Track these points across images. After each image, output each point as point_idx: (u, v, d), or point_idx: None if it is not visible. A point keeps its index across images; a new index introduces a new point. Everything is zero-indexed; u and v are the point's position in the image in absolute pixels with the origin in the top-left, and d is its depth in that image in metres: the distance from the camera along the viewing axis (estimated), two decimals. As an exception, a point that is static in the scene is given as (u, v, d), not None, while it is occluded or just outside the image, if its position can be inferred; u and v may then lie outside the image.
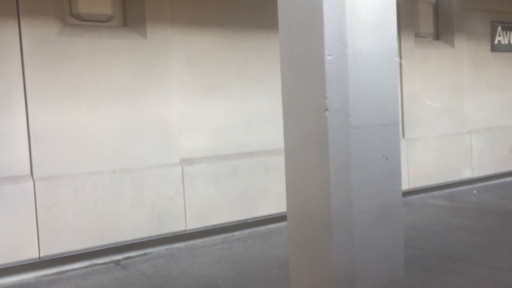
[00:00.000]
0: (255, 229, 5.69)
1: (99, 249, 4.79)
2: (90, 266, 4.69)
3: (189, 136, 5.41)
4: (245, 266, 4.52)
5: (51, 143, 4.61)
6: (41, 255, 4.54)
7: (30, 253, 4.49)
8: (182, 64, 5.36)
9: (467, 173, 7.76)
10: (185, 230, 5.30)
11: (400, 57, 7.01)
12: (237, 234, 5.54)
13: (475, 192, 7.37)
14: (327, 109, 2.56)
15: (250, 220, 5.70)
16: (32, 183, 4.50)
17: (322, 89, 2.56)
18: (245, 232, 5.60)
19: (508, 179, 8.18)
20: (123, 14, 5.17)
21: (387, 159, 2.77)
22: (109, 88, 4.90)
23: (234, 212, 5.60)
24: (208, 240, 5.37)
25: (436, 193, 7.28)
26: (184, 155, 5.37)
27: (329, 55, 2.54)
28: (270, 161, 5.80)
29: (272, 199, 5.81)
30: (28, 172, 4.55)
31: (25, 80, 4.51)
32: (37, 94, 4.56)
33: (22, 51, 4.50)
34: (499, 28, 8.25)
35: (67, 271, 4.57)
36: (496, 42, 8.22)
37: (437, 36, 7.76)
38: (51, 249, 4.58)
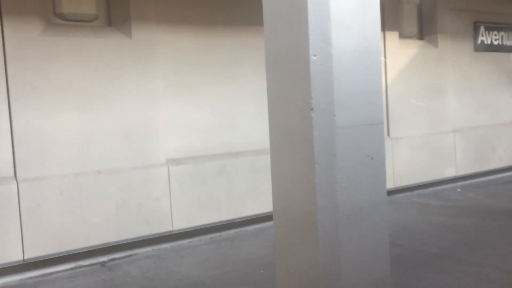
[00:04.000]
0: (242, 229, 5.69)
1: (84, 250, 4.75)
2: (76, 268, 4.65)
3: (175, 136, 5.39)
4: (232, 266, 4.52)
5: (35, 144, 4.56)
6: (25, 258, 4.49)
7: (14, 256, 4.43)
8: (168, 64, 5.34)
9: (451, 172, 7.85)
10: (171, 231, 5.28)
11: (385, 57, 7.07)
12: (224, 234, 5.54)
13: (459, 190, 7.46)
14: (312, 109, 2.56)
15: (237, 220, 5.70)
16: (15, 184, 4.45)
17: (307, 89, 2.57)
18: (232, 232, 5.60)
19: (491, 177, 8.29)
20: (108, 14, 5.13)
21: (372, 158, 2.79)
22: (94, 88, 4.86)
23: (221, 212, 5.60)
24: (195, 240, 5.36)
25: (421, 191, 7.35)
26: (170, 155, 5.35)
27: (314, 55, 2.55)
28: (257, 161, 5.80)
29: (259, 199, 5.82)
30: (12, 173, 4.50)
31: (8, 81, 4.46)
32: (21, 94, 4.50)
33: (5, 51, 4.44)
34: (482, 28, 8.36)
35: (52, 273, 4.53)
36: (479, 42, 8.33)
37: (421, 36, 7.84)
38: (35, 251, 4.53)
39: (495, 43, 8.56)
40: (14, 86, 4.47)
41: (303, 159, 2.64)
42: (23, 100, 4.51)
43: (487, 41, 8.45)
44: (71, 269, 4.63)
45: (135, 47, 5.08)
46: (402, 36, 7.41)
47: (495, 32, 8.54)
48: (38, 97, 4.58)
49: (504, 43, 8.67)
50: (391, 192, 6.94)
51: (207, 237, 5.44)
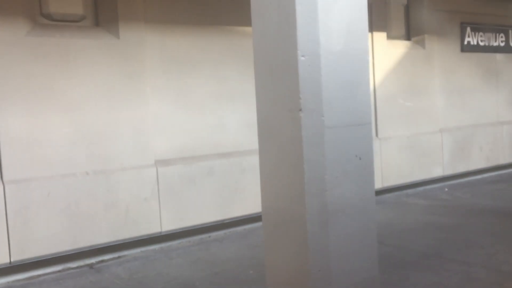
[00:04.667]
0: (231, 229, 5.68)
1: (72, 252, 4.71)
2: (63, 270, 4.61)
3: (164, 137, 5.37)
4: (222, 267, 4.51)
5: (21, 146, 4.51)
6: (12, 260, 4.44)
7: (1, 258, 4.38)
8: (157, 64, 5.32)
9: (438, 171, 7.91)
10: (160, 232, 5.26)
11: (373, 58, 7.11)
12: (213, 235, 5.53)
13: (446, 189, 7.52)
14: (300, 109, 2.57)
15: (226, 221, 5.69)
16: (2, 186, 4.40)
17: (295, 90, 2.58)
18: (221, 232, 5.59)
19: (478, 176, 8.37)
20: (95, 14, 5.10)
21: (360, 158, 2.80)
22: (81, 89, 4.82)
23: (210, 213, 5.58)
24: (184, 241, 5.34)
25: (409, 191, 7.40)
26: (159, 156, 5.33)
27: (302, 55, 2.56)
28: (246, 161, 5.80)
29: (248, 199, 5.81)
30: (-2, 175, 4.45)
31: (-6, 81, 4.41)
32: (6, 95, 4.45)
33: (-9, 52, 4.39)
34: (468, 29, 8.44)
35: (39, 275, 4.48)
36: (465, 43, 8.41)
37: (408, 37, 7.90)
38: (22, 254, 4.48)
39: (481, 44, 8.65)
40: None
41: (292, 159, 2.65)
42: (9, 101, 4.46)
43: (474, 42, 8.54)
44: (59, 271, 4.58)
45: (123, 47, 5.05)
46: (389, 37, 7.45)
47: (481, 33, 8.64)
48: (25, 98, 4.53)
49: (490, 43, 8.77)
50: (379, 192, 6.97)
51: (197, 238, 5.43)
